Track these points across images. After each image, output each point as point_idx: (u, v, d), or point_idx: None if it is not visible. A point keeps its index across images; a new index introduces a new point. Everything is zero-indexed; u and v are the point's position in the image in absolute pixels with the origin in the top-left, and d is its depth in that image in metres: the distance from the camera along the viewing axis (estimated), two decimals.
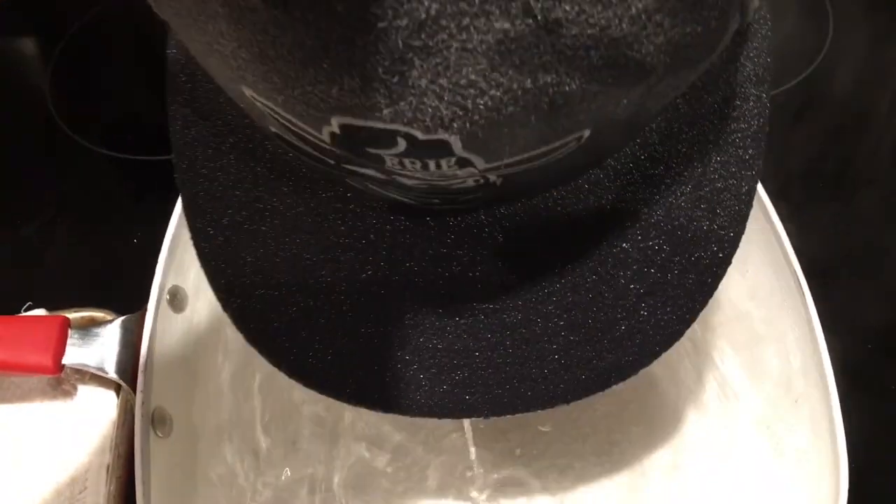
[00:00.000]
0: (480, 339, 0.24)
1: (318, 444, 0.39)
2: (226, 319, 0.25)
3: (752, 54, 0.25)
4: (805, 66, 0.54)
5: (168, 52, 0.26)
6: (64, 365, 0.34)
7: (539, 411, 0.24)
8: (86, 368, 0.35)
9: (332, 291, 0.25)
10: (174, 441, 0.34)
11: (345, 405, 0.25)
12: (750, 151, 0.24)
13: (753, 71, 0.25)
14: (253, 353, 0.25)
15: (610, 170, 0.25)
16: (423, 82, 0.15)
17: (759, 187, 0.35)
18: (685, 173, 0.24)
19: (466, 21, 0.14)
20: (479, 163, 0.18)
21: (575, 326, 0.24)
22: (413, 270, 0.25)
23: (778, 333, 0.35)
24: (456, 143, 0.16)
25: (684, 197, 0.24)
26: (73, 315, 0.37)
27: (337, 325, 0.24)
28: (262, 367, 0.34)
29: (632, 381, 0.24)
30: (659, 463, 0.38)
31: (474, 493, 0.38)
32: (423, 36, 0.14)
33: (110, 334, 0.35)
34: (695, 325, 0.24)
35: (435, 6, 0.14)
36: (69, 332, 0.35)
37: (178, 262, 0.35)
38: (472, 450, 0.36)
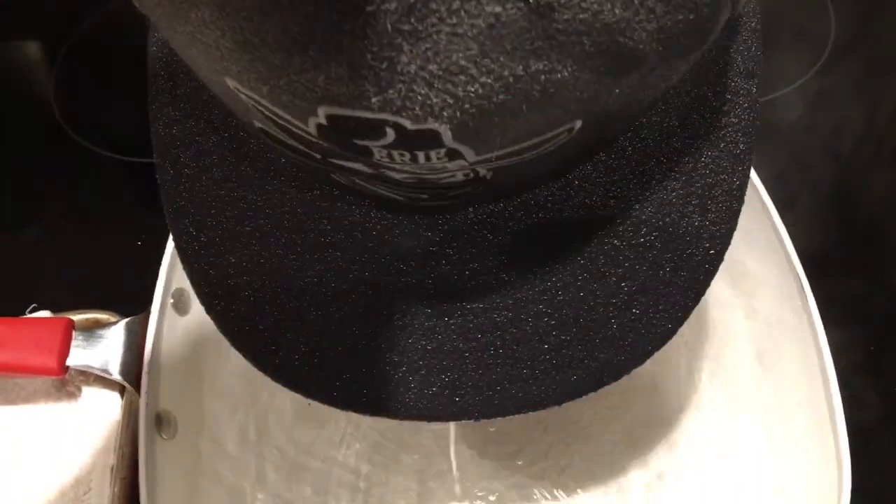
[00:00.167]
0: (470, 339, 0.24)
1: (323, 447, 0.39)
2: None
3: (741, 48, 0.24)
4: (806, 70, 0.54)
5: (149, 49, 0.25)
6: (68, 366, 0.34)
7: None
8: (90, 370, 0.35)
9: (319, 292, 0.24)
10: (178, 443, 0.34)
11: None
12: (741, 146, 0.24)
13: (743, 65, 0.24)
14: None
15: (600, 165, 0.24)
16: (413, 68, 0.14)
17: (760, 186, 0.35)
18: (676, 168, 0.24)
19: (457, 4, 0.14)
20: (469, 155, 0.17)
21: (566, 325, 0.24)
22: (401, 269, 0.24)
23: (778, 333, 0.35)
24: (446, 134, 0.16)
25: (675, 193, 0.24)
26: (77, 317, 0.37)
27: (323, 327, 0.24)
28: None
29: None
30: (658, 464, 0.38)
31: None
32: (412, 20, 0.14)
33: (114, 336, 0.35)
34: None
35: None
36: (74, 333, 0.35)
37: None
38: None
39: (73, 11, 0.61)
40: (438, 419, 0.24)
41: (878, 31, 0.57)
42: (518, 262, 0.24)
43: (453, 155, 0.17)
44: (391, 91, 0.15)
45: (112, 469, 0.34)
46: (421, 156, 0.17)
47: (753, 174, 0.35)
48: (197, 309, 0.37)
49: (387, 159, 0.18)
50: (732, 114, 0.24)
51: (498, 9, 0.14)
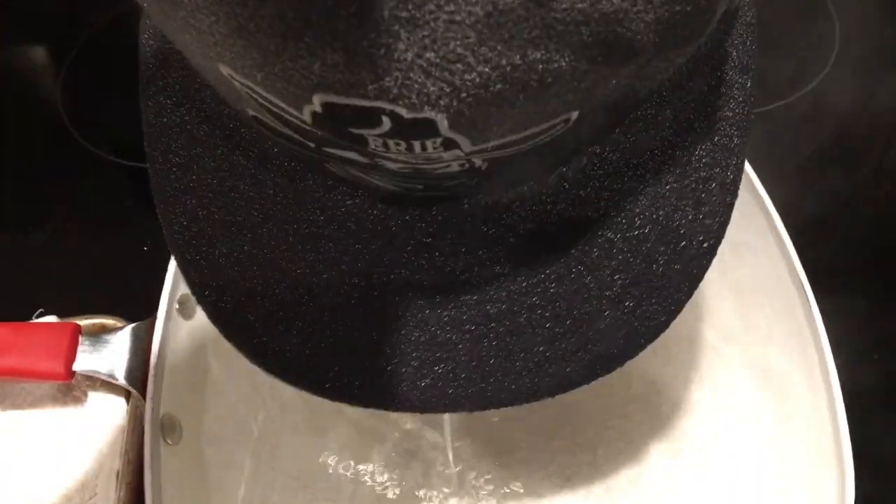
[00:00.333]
0: (464, 331, 0.24)
1: (329, 454, 0.39)
2: None
3: (737, 41, 0.24)
4: (811, 79, 0.54)
5: (140, 37, 0.25)
6: (75, 371, 0.34)
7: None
8: (96, 375, 0.35)
9: (311, 283, 0.24)
10: (183, 448, 0.34)
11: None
12: (735, 140, 0.24)
13: (739, 59, 0.24)
14: None
15: (595, 157, 0.24)
16: (410, 56, 0.14)
17: (757, 183, 0.35)
18: (670, 162, 0.24)
19: None
20: (466, 144, 0.17)
21: (560, 318, 0.24)
22: (394, 261, 0.24)
23: (779, 332, 0.35)
24: (442, 123, 0.16)
25: (669, 186, 0.24)
26: (83, 322, 0.37)
27: (315, 318, 0.24)
28: None
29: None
30: (658, 462, 0.37)
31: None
32: (409, 6, 0.13)
33: (121, 341, 0.35)
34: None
35: None
36: (80, 338, 0.35)
37: None
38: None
39: (81, 15, 0.62)
40: (431, 411, 0.24)
41: (883, 43, 0.57)
42: (512, 254, 0.24)
43: (449, 144, 0.17)
44: (387, 79, 0.15)
45: (117, 474, 0.34)
46: (417, 145, 0.17)
47: (755, 178, 0.35)
48: (202, 314, 0.37)
49: (382, 148, 0.17)
50: (727, 108, 0.24)
51: None
